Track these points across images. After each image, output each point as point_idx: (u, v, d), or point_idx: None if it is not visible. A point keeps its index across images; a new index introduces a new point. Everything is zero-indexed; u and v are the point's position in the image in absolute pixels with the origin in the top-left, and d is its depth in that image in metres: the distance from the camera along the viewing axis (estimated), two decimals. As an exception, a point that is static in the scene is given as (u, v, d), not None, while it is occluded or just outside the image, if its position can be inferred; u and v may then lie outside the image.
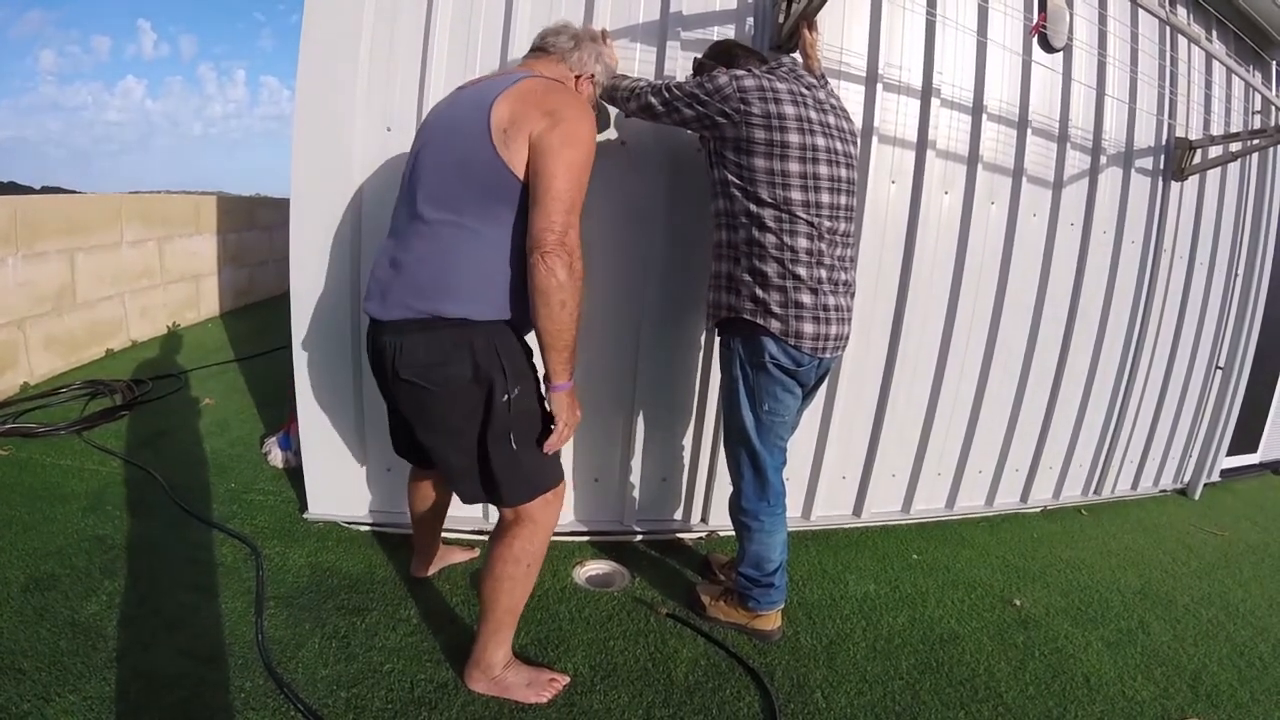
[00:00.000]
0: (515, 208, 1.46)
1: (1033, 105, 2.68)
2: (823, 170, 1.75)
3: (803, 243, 1.75)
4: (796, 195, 1.73)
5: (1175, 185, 3.19)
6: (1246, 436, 4.39)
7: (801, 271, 1.75)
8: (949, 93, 2.50)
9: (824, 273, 1.78)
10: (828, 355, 1.82)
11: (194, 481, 2.71)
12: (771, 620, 2.04)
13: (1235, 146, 3.12)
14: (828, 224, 1.77)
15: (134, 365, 4.26)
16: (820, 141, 1.74)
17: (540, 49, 1.72)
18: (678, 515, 2.65)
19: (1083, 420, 3.26)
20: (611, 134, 2.19)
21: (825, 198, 1.76)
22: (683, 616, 2.11)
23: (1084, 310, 3.02)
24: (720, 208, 1.86)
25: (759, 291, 1.77)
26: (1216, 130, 3.26)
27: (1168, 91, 3.07)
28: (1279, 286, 3.92)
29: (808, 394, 1.98)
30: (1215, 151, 3.19)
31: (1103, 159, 2.91)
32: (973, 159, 2.58)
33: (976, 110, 2.56)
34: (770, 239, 1.75)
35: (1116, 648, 2.23)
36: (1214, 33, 3.23)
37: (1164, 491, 3.91)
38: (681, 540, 2.62)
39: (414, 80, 2.11)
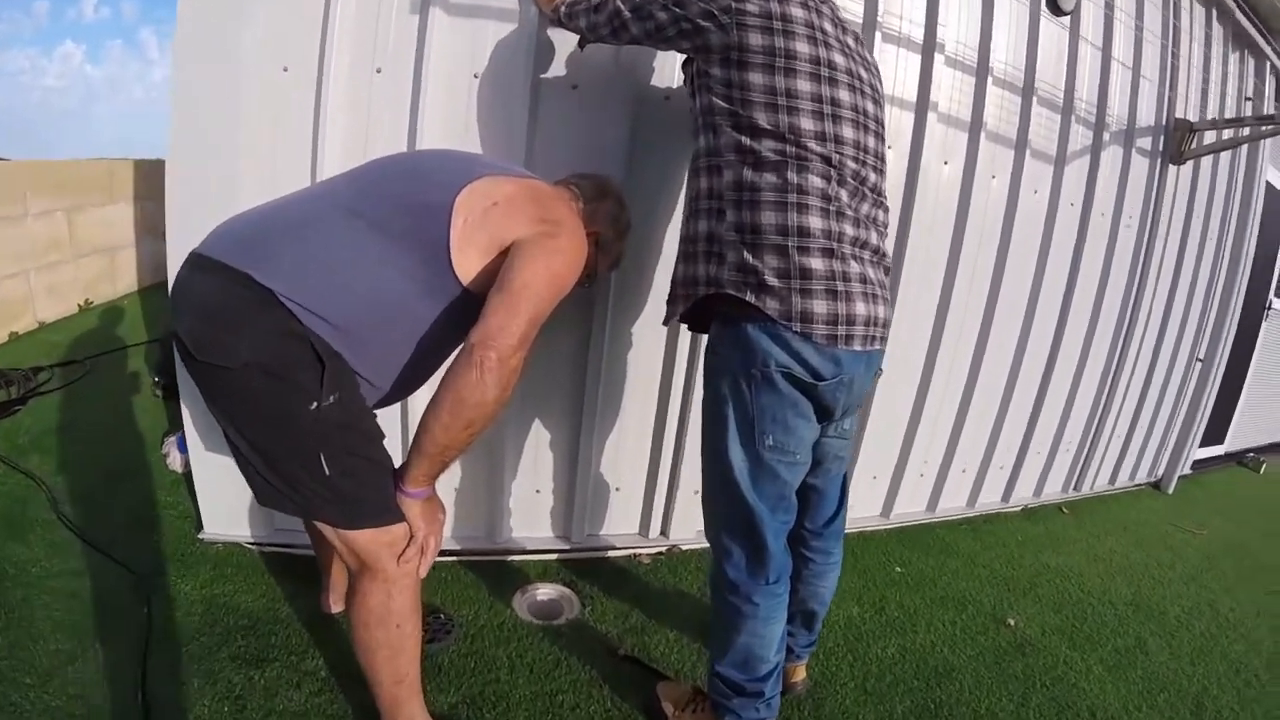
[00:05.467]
0: (448, 299, 1.24)
1: (1039, 72, 2.41)
2: (844, 96, 1.30)
3: (816, 182, 1.26)
4: (808, 123, 1.26)
5: (1172, 169, 3.01)
6: (1214, 428, 4.33)
7: (814, 223, 1.25)
8: (953, 50, 2.19)
9: (846, 227, 1.28)
10: (857, 347, 1.28)
11: (86, 491, 2.35)
12: None
13: (1238, 132, 2.98)
14: (852, 165, 1.30)
15: (41, 349, 3.84)
16: (839, 60, 1.31)
17: (566, 183, 1.53)
18: (634, 529, 2.33)
19: (1070, 412, 3.08)
20: (560, 71, 1.82)
21: (848, 132, 1.30)
22: (643, 659, 1.80)
23: (1079, 296, 2.80)
24: (701, 146, 1.38)
25: (748, 255, 1.27)
26: (1213, 115, 3.11)
27: (1169, 69, 2.89)
28: (1253, 279, 3.83)
29: (834, 424, 1.45)
30: (1212, 137, 3.05)
31: (1105, 136, 2.68)
32: (975, 126, 2.30)
33: (981, 72, 2.26)
34: (768, 178, 1.26)
35: (1117, 671, 2.07)
36: (1214, 14, 3.09)
37: (1138, 485, 3.82)
38: (639, 557, 2.31)
39: (317, 11, 1.69)
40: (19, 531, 2.06)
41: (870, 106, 1.36)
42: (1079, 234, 2.71)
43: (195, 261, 1.18)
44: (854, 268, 1.29)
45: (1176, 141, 2.97)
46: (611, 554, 2.29)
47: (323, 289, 1.14)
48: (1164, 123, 2.94)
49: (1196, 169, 3.16)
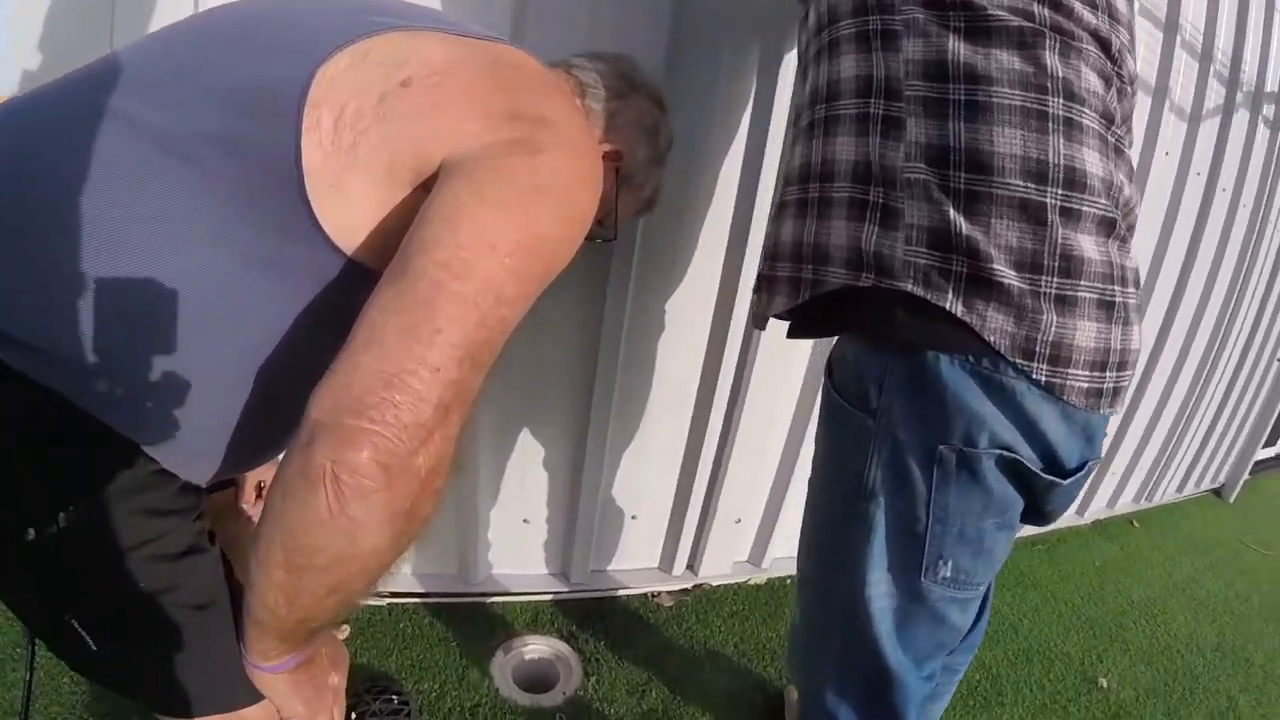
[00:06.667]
0: (317, 282, 0.60)
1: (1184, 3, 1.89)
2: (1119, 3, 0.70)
3: (1092, 81, 0.66)
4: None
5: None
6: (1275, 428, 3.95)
7: (1090, 161, 0.64)
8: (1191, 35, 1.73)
9: (1123, 177, 0.70)
10: (1120, 405, 0.73)
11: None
12: None
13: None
14: (1130, 63, 0.72)
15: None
16: None
17: (565, 67, 0.87)
18: (653, 564, 1.86)
19: (1159, 417, 2.65)
20: None
21: (1121, 2, 0.71)
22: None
23: (1190, 286, 2.34)
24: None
25: (955, 215, 0.65)
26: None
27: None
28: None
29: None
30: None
31: (1238, 96, 2.15)
32: (1195, 116, 1.90)
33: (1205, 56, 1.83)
34: (1004, 60, 0.64)
35: (1215, 746, 1.73)
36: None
37: (1201, 492, 3.44)
38: (657, 597, 1.84)
39: None
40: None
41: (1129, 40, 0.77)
42: (1200, 211, 2.22)
43: None
44: (1130, 258, 0.70)
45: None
46: (623, 594, 1.82)
47: (41, 279, 0.55)
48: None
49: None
